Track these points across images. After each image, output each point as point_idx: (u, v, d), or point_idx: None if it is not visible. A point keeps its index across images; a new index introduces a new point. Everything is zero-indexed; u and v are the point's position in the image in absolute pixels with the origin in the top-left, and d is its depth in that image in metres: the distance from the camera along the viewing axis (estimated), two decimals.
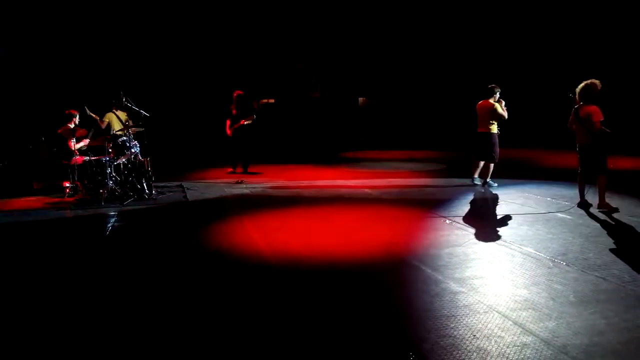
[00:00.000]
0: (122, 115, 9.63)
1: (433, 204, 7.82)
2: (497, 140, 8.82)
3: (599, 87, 6.79)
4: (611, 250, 5.13)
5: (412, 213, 7.30)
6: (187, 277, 4.75)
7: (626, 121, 13.65)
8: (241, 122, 11.18)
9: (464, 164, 10.90)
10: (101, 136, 9.03)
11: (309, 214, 7.32)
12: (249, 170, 11.49)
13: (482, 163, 9.08)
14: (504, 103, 8.81)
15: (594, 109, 6.73)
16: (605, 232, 5.87)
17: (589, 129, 6.76)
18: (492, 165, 8.93)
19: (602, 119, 6.69)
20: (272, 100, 11.94)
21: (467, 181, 9.38)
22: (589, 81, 6.86)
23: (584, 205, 7.05)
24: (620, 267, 4.59)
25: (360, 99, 22.28)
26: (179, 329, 3.61)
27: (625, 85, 15.09)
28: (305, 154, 15.93)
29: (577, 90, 6.94)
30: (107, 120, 9.52)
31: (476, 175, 9.22)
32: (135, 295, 4.33)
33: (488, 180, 8.99)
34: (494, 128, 8.79)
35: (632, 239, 5.55)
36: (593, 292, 4.05)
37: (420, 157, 14.27)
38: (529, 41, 18.12)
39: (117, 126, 9.48)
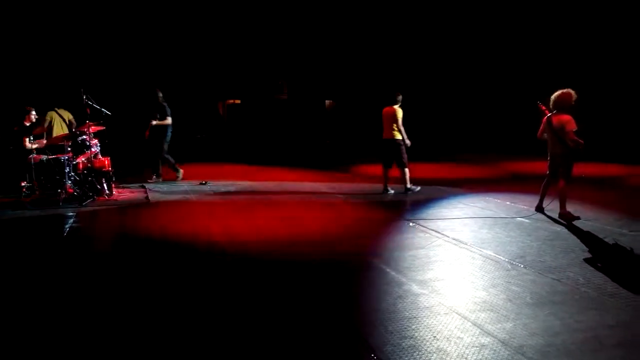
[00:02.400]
0: (66, 114, 9.41)
1: (397, 207, 7.93)
2: (403, 146, 8.74)
3: (574, 98, 6.72)
4: (567, 253, 5.29)
5: (376, 216, 7.37)
6: (144, 278, 4.66)
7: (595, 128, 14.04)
8: (151, 124, 10.25)
9: (427, 169, 11.05)
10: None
11: (272, 214, 7.28)
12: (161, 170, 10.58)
13: (388, 171, 8.97)
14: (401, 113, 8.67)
15: (567, 118, 6.69)
16: (562, 235, 6.05)
17: (561, 138, 6.76)
18: (406, 170, 8.87)
19: (575, 129, 6.66)
20: (237, 102, 11.76)
21: (432, 187, 9.49)
22: (564, 90, 6.79)
23: (541, 209, 7.25)
24: (574, 270, 4.74)
25: (327, 102, 22.39)
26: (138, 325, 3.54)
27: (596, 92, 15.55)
28: (271, 156, 15.86)
29: (552, 98, 6.85)
30: (49, 119, 9.28)
31: (388, 186, 8.99)
32: (91, 296, 4.21)
33: (408, 186, 8.90)
34: (398, 134, 8.71)
35: (587, 242, 5.74)
36: (549, 294, 4.17)
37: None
38: (495, 48, 18.58)
39: (58, 125, 9.25)
